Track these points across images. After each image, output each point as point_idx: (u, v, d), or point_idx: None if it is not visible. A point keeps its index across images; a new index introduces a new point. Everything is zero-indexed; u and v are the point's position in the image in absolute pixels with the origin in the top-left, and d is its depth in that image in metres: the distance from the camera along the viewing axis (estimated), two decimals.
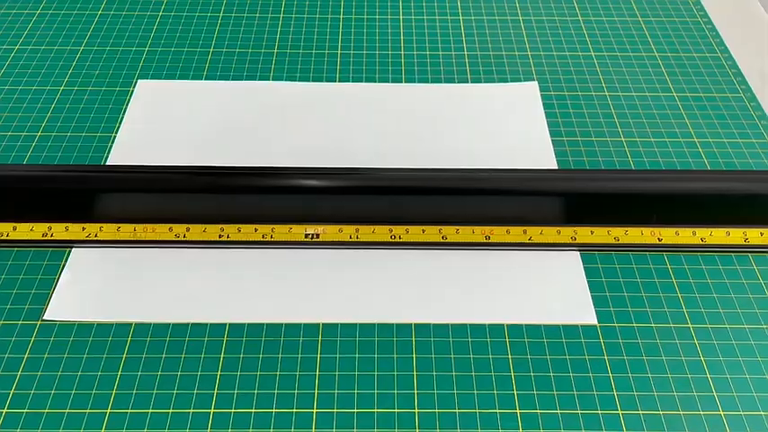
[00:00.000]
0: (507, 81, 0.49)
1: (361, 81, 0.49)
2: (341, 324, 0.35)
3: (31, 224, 0.38)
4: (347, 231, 0.38)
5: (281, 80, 0.49)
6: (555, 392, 0.32)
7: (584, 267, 0.38)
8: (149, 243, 0.38)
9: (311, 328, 0.35)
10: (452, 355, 0.34)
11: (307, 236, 0.38)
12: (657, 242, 0.38)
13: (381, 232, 0.38)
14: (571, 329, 0.35)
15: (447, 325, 0.35)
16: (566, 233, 0.38)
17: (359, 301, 0.36)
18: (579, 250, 0.38)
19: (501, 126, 0.46)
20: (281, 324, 0.35)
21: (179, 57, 0.51)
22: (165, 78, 0.49)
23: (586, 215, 0.39)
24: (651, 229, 0.39)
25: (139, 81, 0.48)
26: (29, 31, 0.53)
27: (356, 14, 0.55)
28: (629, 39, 0.53)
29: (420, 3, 0.56)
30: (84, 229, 0.38)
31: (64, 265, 0.37)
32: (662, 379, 0.33)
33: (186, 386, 0.32)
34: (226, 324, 0.35)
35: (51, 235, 0.38)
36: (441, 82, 0.49)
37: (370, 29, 0.54)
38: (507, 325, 0.35)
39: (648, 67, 0.51)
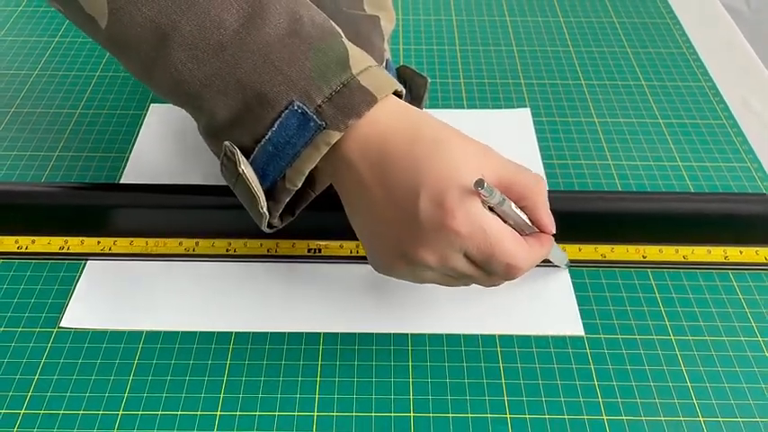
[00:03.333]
0: (501, 107, 0.52)
1: None
2: (341, 333, 0.37)
3: (49, 238, 0.40)
4: (348, 247, 0.40)
5: None
6: (543, 399, 0.34)
7: (573, 282, 0.39)
8: (160, 256, 0.40)
9: (312, 337, 0.37)
10: (446, 363, 0.36)
11: (309, 251, 0.40)
12: (642, 259, 0.40)
13: None
14: (559, 340, 0.37)
15: (442, 335, 0.37)
16: None
17: (358, 311, 0.38)
18: (568, 266, 0.40)
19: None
20: (285, 333, 0.37)
21: None
22: None
23: (575, 233, 0.41)
24: (636, 246, 0.41)
25: (152, 105, 0.51)
26: (47, 57, 0.55)
27: None
28: (618, 68, 0.56)
29: (419, 33, 0.59)
30: (98, 242, 0.40)
31: (79, 276, 0.39)
32: (645, 387, 0.35)
33: (194, 390, 0.34)
34: (232, 332, 0.37)
35: (68, 248, 0.40)
36: (438, 108, 0.51)
37: None
38: (499, 335, 0.37)
39: (636, 95, 0.53)
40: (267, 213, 0.34)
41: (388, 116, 0.32)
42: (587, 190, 0.45)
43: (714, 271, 0.40)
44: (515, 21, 0.61)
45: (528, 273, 0.39)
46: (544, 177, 0.46)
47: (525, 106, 0.52)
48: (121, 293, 0.38)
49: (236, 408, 0.34)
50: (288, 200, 0.34)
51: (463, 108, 0.51)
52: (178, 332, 0.37)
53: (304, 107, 0.31)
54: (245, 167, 0.32)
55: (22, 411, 0.33)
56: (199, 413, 0.33)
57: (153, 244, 0.40)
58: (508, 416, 0.33)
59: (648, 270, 0.40)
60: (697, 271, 0.40)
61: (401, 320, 0.37)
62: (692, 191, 0.45)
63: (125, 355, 0.36)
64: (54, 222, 0.41)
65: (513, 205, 0.32)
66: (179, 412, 0.33)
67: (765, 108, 0.52)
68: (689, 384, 0.35)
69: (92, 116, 0.50)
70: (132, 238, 0.40)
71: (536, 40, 0.59)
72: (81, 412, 0.33)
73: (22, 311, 0.37)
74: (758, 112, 0.52)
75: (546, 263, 0.38)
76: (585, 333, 0.37)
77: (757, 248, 0.41)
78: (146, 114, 0.50)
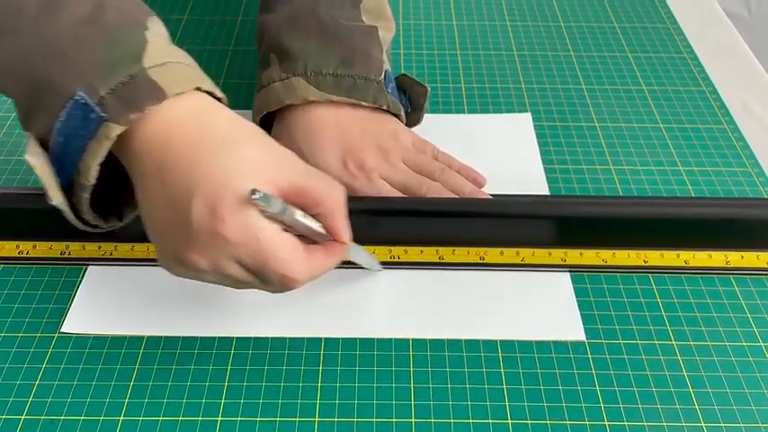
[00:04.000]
0: (502, 112, 0.52)
1: None
2: (342, 338, 0.37)
3: (50, 243, 0.40)
4: None
5: None
6: (545, 404, 0.34)
7: (574, 287, 0.39)
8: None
9: (314, 342, 0.37)
10: (448, 369, 0.36)
11: None
12: (643, 264, 0.40)
13: (381, 253, 0.40)
14: (561, 345, 0.37)
15: (443, 340, 0.37)
16: (556, 255, 0.40)
17: (359, 316, 0.38)
18: (569, 271, 0.40)
19: (496, 154, 0.48)
20: (286, 338, 0.37)
21: None
22: None
23: (576, 238, 0.41)
24: (637, 251, 0.41)
25: None
26: None
27: None
28: (618, 72, 0.56)
29: (420, 38, 0.59)
30: (99, 247, 0.40)
31: (81, 282, 0.39)
32: (646, 392, 0.35)
33: (195, 395, 0.34)
34: (233, 338, 0.37)
35: (69, 253, 0.40)
36: (439, 112, 0.51)
37: None
38: (500, 341, 0.37)
39: (636, 99, 0.53)
40: (62, 207, 0.33)
41: (181, 114, 0.31)
42: (588, 195, 0.45)
43: (715, 276, 0.40)
44: (516, 25, 0.61)
45: (528, 278, 0.40)
46: (545, 181, 0.46)
47: (526, 110, 0.52)
48: (122, 299, 0.38)
49: (238, 413, 0.34)
50: (88, 195, 0.33)
51: (464, 113, 0.51)
52: (179, 337, 0.37)
53: (87, 98, 0.31)
54: (30, 157, 0.32)
55: (23, 417, 0.33)
56: (200, 419, 0.33)
57: (154, 249, 0.40)
58: (509, 421, 0.33)
59: (650, 275, 0.40)
60: (698, 276, 0.40)
61: (402, 326, 0.37)
62: (694, 195, 0.45)
63: (126, 360, 0.36)
64: (55, 227, 0.41)
65: (298, 214, 0.31)
66: (180, 418, 0.33)
67: (766, 112, 0.52)
68: (691, 390, 0.35)
69: None
70: (134, 244, 0.40)
71: (537, 45, 0.59)
72: (82, 418, 0.33)
73: (23, 317, 0.37)
74: (759, 117, 0.52)
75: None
76: (587, 338, 0.37)
77: (759, 253, 0.41)
78: None
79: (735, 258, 0.40)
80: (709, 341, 0.37)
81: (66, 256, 0.40)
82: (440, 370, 0.36)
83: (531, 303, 0.39)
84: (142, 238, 0.40)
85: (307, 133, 0.42)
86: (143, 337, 0.37)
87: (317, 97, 0.42)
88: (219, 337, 0.37)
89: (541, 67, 0.56)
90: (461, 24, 0.61)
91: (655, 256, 0.40)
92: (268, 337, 0.37)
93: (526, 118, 0.51)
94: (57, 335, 0.37)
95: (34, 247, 0.40)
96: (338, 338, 0.37)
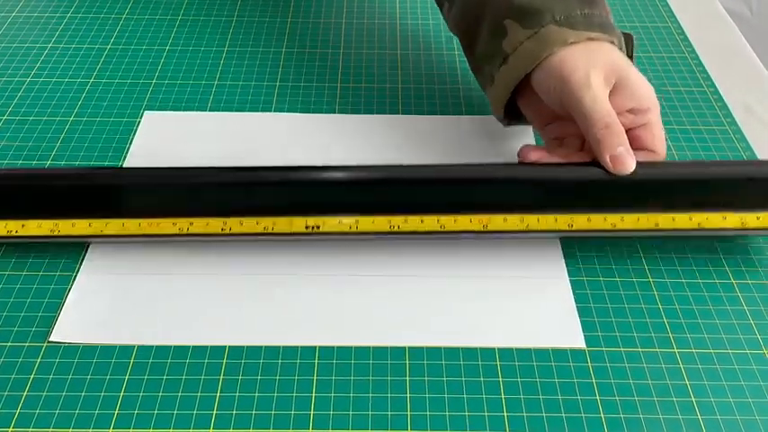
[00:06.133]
0: None
1: (360, 112, 0.51)
2: (337, 347, 0.36)
3: (39, 221, 0.39)
4: (347, 223, 0.38)
5: (283, 111, 0.51)
6: (544, 414, 0.33)
7: (574, 293, 0.39)
8: (154, 237, 0.39)
9: (308, 351, 0.36)
10: (444, 378, 0.35)
11: (307, 228, 0.38)
12: (654, 227, 0.38)
13: (380, 223, 0.38)
14: (560, 353, 0.36)
15: (440, 348, 0.36)
16: (563, 220, 0.38)
17: (354, 324, 0.37)
18: (575, 236, 0.39)
19: (494, 158, 0.47)
20: (279, 347, 0.36)
21: (184, 89, 0.52)
22: (170, 110, 0.51)
23: (583, 202, 0.39)
24: (648, 215, 0.39)
25: (146, 112, 0.50)
26: (41, 63, 0.55)
27: (356, 49, 0.57)
28: None
29: (417, 39, 0.59)
30: (90, 225, 0.39)
31: (70, 289, 0.38)
32: (648, 402, 0.34)
33: (186, 407, 0.33)
34: (225, 346, 0.36)
35: (58, 231, 0.39)
36: (437, 113, 0.51)
37: (368, 62, 0.56)
38: (498, 348, 0.36)
39: None
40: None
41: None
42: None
43: (718, 282, 0.39)
44: None
45: (527, 285, 0.39)
46: None
47: None
48: (112, 307, 0.38)
49: (230, 425, 0.33)
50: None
51: (461, 114, 0.51)
52: (170, 346, 0.36)
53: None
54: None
55: (11, 429, 0.32)
56: (191, 431, 0.33)
57: (146, 225, 0.39)
58: None
59: (651, 281, 0.39)
60: (701, 282, 0.39)
61: (398, 334, 0.37)
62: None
63: (116, 370, 0.35)
64: (45, 206, 0.39)
65: None
66: (171, 430, 0.33)
67: (767, 112, 0.52)
68: (693, 399, 0.34)
69: (85, 123, 0.49)
70: (124, 220, 0.39)
71: None
72: (71, 430, 0.32)
73: (10, 325, 0.37)
74: (761, 117, 0.51)
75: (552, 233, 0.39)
76: (587, 346, 0.36)
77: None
78: (139, 122, 0.49)
79: (751, 219, 0.38)
80: (712, 349, 0.36)
81: (71, 233, 0.39)
82: (437, 379, 0.35)
83: (529, 311, 0.38)
84: (133, 214, 0.39)
85: (571, 74, 0.40)
86: (133, 347, 0.36)
87: (575, 38, 0.40)
88: (211, 346, 0.36)
89: None
90: None
91: (666, 220, 0.38)
92: (261, 346, 0.36)
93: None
94: (45, 344, 0.36)
95: (22, 226, 0.39)
96: (333, 347, 0.36)
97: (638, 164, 0.39)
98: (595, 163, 0.40)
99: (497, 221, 0.39)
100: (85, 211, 0.39)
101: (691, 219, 0.38)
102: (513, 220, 0.39)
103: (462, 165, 0.41)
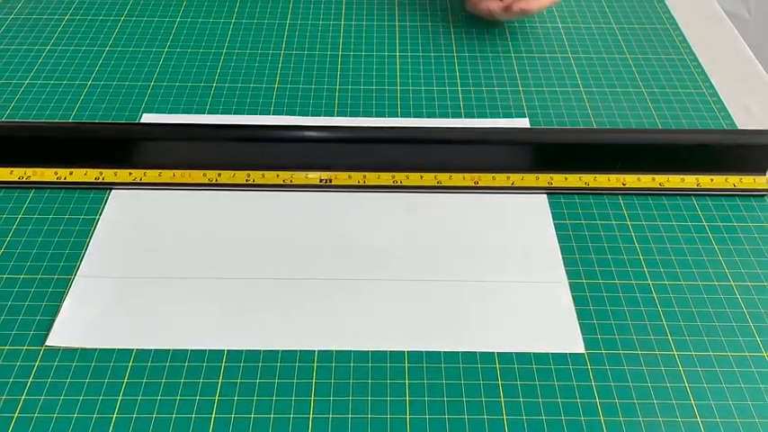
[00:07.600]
0: (499, 116, 0.51)
1: (359, 116, 0.51)
2: (336, 351, 0.36)
3: (84, 169, 0.44)
4: (356, 177, 0.44)
5: (282, 114, 0.51)
6: (543, 418, 0.33)
7: (573, 296, 0.39)
8: (186, 185, 0.44)
9: (307, 355, 0.36)
10: (444, 381, 0.35)
11: (321, 180, 0.44)
12: (622, 186, 0.44)
13: (385, 178, 0.44)
14: (559, 357, 0.36)
15: (440, 352, 0.36)
16: (543, 179, 0.44)
17: (353, 328, 0.37)
18: (553, 192, 0.44)
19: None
20: (278, 350, 0.36)
21: (183, 91, 0.52)
22: (168, 112, 0.50)
23: (562, 163, 0.45)
24: (616, 175, 0.45)
25: (144, 114, 0.50)
26: (39, 65, 0.55)
27: (354, 52, 0.57)
28: (618, 74, 0.55)
29: (416, 40, 0.59)
30: (130, 173, 0.44)
31: (67, 293, 0.38)
32: (647, 405, 0.34)
33: (185, 410, 0.33)
34: (224, 350, 0.36)
35: (102, 178, 0.44)
36: (435, 117, 0.51)
37: (367, 65, 0.56)
38: (498, 352, 0.36)
39: (635, 102, 0.52)
40: None
41: None
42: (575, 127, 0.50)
43: (717, 285, 0.39)
44: (513, 27, 0.60)
45: (526, 289, 0.39)
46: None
47: (523, 113, 0.51)
48: (110, 310, 0.37)
49: (228, 428, 0.33)
50: None
51: (461, 117, 0.51)
52: (169, 350, 0.36)
53: None
54: None
55: None
56: None
57: (180, 175, 0.44)
58: None
59: (651, 283, 0.39)
60: (700, 284, 0.39)
61: (398, 338, 0.37)
62: (693, 199, 0.44)
63: (114, 374, 0.35)
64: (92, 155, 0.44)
65: None
66: None
67: (766, 114, 0.52)
68: (692, 402, 0.34)
69: None
70: (160, 170, 0.44)
71: (534, 47, 0.58)
72: None
73: (8, 329, 0.37)
74: (759, 118, 0.51)
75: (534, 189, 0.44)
76: (586, 349, 0.36)
77: (726, 176, 0.44)
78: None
79: (705, 181, 0.44)
80: (712, 351, 0.36)
81: (98, 180, 0.43)
82: (436, 382, 0.35)
83: (528, 314, 0.38)
84: (167, 165, 0.44)
85: None
86: (132, 350, 0.36)
87: None
88: (210, 351, 0.36)
89: (539, 69, 0.55)
90: (458, 26, 0.60)
91: (632, 180, 0.44)
92: (260, 350, 0.36)
93: (524, 122, 0.50)
94: (43, 348, 0.36)
95: (85, 174, 0.44)
96: (332, 351, 0.36)
97: (611, 130, 0.48)
98: (578, 129, 0.48)
99: (487, 179, 0.44)
100: (130, 163, 0.45)
101: (653, 179, 0.44)
102: (500, 178, 0.44)
103: (462, 128, 0.47)
